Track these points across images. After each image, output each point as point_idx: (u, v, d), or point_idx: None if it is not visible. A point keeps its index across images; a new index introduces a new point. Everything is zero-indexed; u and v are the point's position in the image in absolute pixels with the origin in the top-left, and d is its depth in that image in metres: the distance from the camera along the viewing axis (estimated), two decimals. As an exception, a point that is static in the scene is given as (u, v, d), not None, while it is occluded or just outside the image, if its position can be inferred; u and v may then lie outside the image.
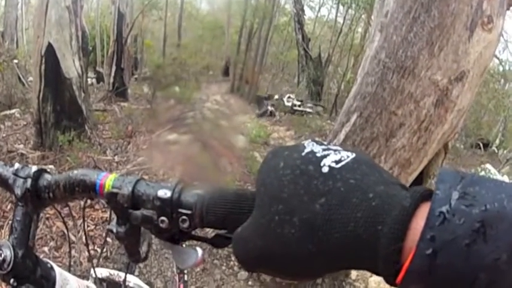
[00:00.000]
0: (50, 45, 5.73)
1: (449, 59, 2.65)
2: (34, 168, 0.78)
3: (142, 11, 13.41)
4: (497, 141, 15.38)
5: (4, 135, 6.57)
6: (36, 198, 0.77)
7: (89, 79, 10.08)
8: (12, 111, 8.09)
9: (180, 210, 0.59)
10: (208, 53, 20.71)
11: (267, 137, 9.35)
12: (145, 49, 14.18)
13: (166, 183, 0.62)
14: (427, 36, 2.64)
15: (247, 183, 6.18)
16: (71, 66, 5.96)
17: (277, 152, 0.50)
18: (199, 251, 0.65)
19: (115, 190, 0.66)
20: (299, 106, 13.43)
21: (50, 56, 5.76)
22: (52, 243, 3.91)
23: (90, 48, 11.22)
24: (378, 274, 0.41)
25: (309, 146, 0.47)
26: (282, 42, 21.95)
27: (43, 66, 5.76)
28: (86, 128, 6.27)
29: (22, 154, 5.74)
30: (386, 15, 2.93)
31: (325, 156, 0.44)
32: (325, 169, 0.43)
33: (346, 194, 0.41)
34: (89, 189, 0.72)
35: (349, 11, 17.62)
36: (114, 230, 0.67)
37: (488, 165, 6.37)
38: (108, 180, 0.69)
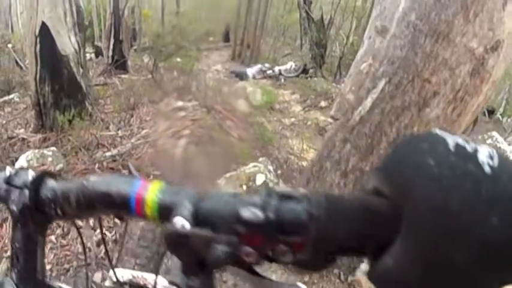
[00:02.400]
0: (43, 24, 5.55)
1: (485, 27, 2.46)
2: (32, 173, 0.61)
3: (138, -19, 13.13)
4: (501, 109, 15.08)
5: (4, 121, 6.48)
6: (39, 214, 0.59)
7: (87, 54, 9.96)
8: (11, 96, 8.01)
9: (282, 237, 0.43)
10: (208, 20, 20.44)
11: (273, 101, 9.19)
12: (144, 19, 13.90)
13: (249, 197, 0.46)
14: (462, 0, 2.45)
15: (256, 149, 6.07)
16: (67, 42, 5.78)
17: (410, 144, 0.39)
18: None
19: (167, 209, 0.48)
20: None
21: (45, 35, 5.58)
22: (59, 231, 3.74)
23: (87, 23, 11.03)
24: None
25: (445, 136, 0.38)
26: (282, 5, 21.54)
27: (38, 46, 5.60)
28: (87, 104, 6.14)
29: (23, 139, 5.67)
30: None
31: (476, 151, 0.36)
32: (487, 169, 0.34)
33: None
34: (118, 206, 0.53)
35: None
36: (184, 285, 0.49)
37: (494, 133, 6.19)
38: (149, 192, 0.51)
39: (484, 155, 0.35)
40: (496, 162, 0.35)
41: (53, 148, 5.01)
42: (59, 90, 5.83)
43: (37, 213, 0.59)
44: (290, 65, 13.39)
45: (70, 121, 5.64)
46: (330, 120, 8.42)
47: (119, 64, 9.96)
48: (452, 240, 0.33)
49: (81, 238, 0.90)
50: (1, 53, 9.76)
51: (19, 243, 0.60)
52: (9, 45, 9.96)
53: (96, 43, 13.33)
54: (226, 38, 19.41)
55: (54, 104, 5.81)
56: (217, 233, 0.45)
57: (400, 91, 2.69)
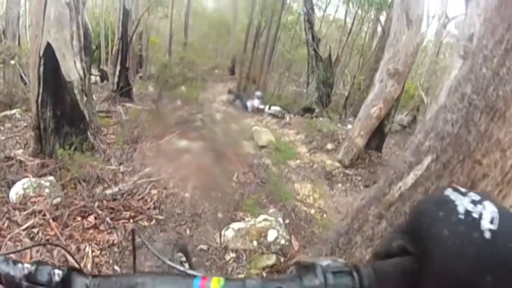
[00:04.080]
0: (49, 45, 5.28)
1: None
2: (58, 272, 0.56)
3: (148, 8, 13.07)
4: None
5: (3, 138, 6.25)
6: None
7: (92, 77, 9.79)
8: (13, 111, 7.78)
9: None
10: (214, 51, 20.46)
11: (278, 141, 8.98)
12: (151, 47, 13.83)
13: (310, 280, 0.53)
14: None
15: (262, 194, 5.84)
16: (71, 68, 5.52)
17: (429, 213, 0.50)
18: None
19: None
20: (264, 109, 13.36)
21: (49, 57, 5.31)
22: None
23: (94, 46, 10.87)
24: None
25: (457, 200, 0.49)
26: (288, 41, 21.59)
27: (42, 68, 5.33)
28: (89, 134, 5.86)
29: (21, 161, 5.36)
30: (471, 39, 2.46)
31: (481, 216, 0.46)
32: (487, 235, 0.45)
33: (510, 263, 0.44)
34: None
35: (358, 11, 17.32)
36: None
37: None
38: None
39: (487, 220, 0.46)
40: (496, 224, 0.45)
41: (51, 178, 4.74)
42: (61, 116, 5.55)
43: None
44: (279, 109, 13.34)
45: (70, 155, 5.31)
46: (336, 164, 8.26)
47: (124, 92, 9.78)
48: None
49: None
50: (6, 66, 9.55)
51: None
52: (12, 62, 9.74)
53: (102, 67, 13.25)
54: (232, 71, 19.36)
55: (55, 130, 5.53)
56: None
57: (448, 171, 2.38)
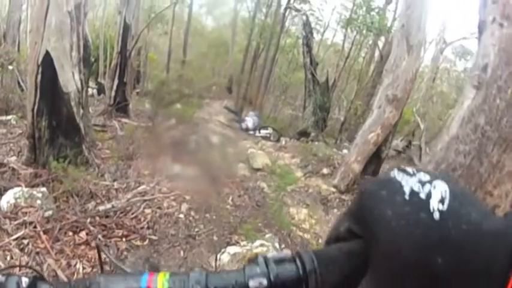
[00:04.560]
0: (47, 54, 5.17)
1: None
2: (25, 279, 0.57)
3: (148, 24, 13.07)
4: None
5: None
6: None
7: (89, 89, 9.70)
8: (9, 117, 7.71)
9: None
10: (212, 71, 20.48)
11: (273, 164, 8.89)
12: (149, 63, 13.80)
13: (251, 269, 0.53)
14: None
15: (258, 218, 5.74)
16: (69, 79, 5.41)
17: (373, 193, 0.48)
18: None
19: None
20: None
21: (47, 66, 5.21)
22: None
23: (93, 59, 10.81)
24: None
25: (403, 180, 0.46)
26: (285, 64, 21.69)
27: (39, 77, 5.21)
28: (83, 148, 5.73)
29: (13, 169, 5.24)
30: (485, 70, 2.41)
31: (429, 196, 0.44)
32: (436, 215, 0.43)
33: (462, 243, 0.42)
34: None
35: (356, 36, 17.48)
36: None
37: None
38: (158, 285, 0.53)
39: (436, 199, 0.44)
40: (446, 205, 0.43)
41: (44, 189, 4.61)
42: (56, 127, 5.43)
43: None
44: (270, 131, 13.33)
45: (64, 168, 5.17)
46: (332, 189, 8.17)
47: (120, 107, 9.69)
48: (405, 279, 0.42)
49: None
50: (4, 70, 9.46)
51: None
52: (10, 67, 9.65)
53: (99, 80, 13.18)
54: (229, 90, 19.40)
55: (50, 140, 5.41)
56: None
57: None
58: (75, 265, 3.65)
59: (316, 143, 12.31)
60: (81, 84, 5.67)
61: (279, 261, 0.53)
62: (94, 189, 5.07)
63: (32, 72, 5.33)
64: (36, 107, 5.31)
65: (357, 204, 0.50)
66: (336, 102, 18.83)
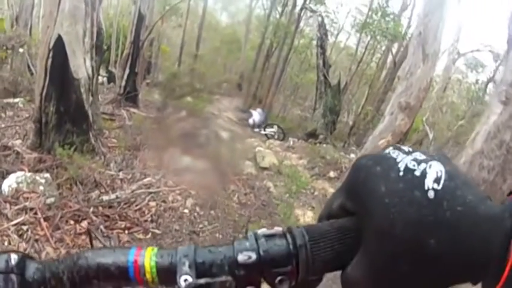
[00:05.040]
0: (59, 38, 5.08)
1: None
2: (14, 256, 0.53)
3: (163, 16, 13.00)
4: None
5: (3, 126, 6.09)
6: None
7: (100, 77, 9.65)
8: (16, 100, 7.65)
9: (275, 270, 0.48)
10: (223, 66, 20.45)
11: (280, 164, 8.80)
12: (161, 54, 13.74)
13: (241, 243, 0.50)
14: None
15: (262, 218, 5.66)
16: (80, 65, 5.32)
17: (367, 168, 0.46)
18: None
19: (166, 272, 0.49)
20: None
21: (59, 51, 5.11)
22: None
23: (105, 47, 10.76)
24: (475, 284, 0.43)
25: (398, 157, 0.45)
26: (297, 64, 21.60)
27: (49, 61, 5.13)
28: (90, 135, 5.65)
29: (18, 153, 5.16)
30: None
31: (424, 174, 0.43)
32: (431, 194, 0.42)
33: (456, 225, 0.41)
34: (117, 277, 0.51)
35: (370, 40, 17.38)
36: None
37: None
38: (146, 258, 0.50)
39: (431, 178, 0.42)
40: (441, 185, 0.42)
41: (47, 175, 4.53)
42: (64, 113, 5.35)
43: None
44: (275, 129, 13.35)
45: (70, 156, 5.10)
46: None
47: (130, 96, 9.63)
48: (397, 258, 0.41)
49: None
50: (14, 53, 9.43)
51: None
52: (21, 50, 9.62)
53: (110, 68, 13.14)
54: (240, 87, 19.36)
55: (57, 126, 5.33)
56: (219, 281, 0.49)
57: None
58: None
59: (324, 145, 12.24)
60: (92, 71, 5.59)
61: (269, 236, 0.51)
62: (99, 178, 4.97)
63: (42, 56, 5.24)
64: (44, 92, 5.23)
65: (350, 180, 0.49)
66: (346, 106, 18.70)
